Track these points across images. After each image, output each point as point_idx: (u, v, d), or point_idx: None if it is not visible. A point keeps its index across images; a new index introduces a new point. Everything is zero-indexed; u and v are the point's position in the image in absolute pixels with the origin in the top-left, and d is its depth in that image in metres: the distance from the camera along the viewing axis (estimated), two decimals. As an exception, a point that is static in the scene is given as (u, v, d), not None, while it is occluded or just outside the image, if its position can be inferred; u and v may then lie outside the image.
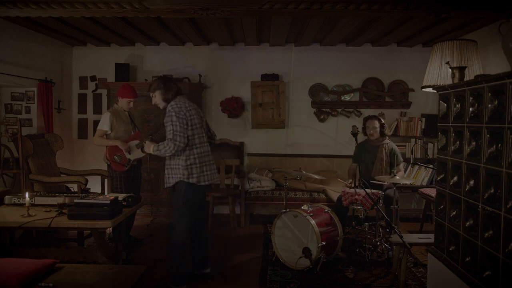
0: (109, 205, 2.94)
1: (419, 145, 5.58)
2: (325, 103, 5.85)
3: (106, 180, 4.78)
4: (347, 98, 5.86)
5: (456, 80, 2.61)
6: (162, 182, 5.43)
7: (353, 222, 4.76)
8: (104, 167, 4.47)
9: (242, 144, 5.96)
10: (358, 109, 5.79)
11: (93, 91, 6.07)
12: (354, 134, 4.37)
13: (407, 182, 4.19)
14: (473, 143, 2.18)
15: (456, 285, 2.31)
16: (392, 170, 4.40)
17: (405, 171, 5.36)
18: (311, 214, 3.71)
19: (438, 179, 2.63)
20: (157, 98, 3.31)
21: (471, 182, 2.19)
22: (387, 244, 3.98)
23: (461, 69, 2.61)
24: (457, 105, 2.38)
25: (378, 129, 4.46)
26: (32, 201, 3.31)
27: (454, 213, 2.40)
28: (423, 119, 5.60)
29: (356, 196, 3.97)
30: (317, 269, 3.45)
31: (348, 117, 5.85)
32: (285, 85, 5.83)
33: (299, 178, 4.28)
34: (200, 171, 3.20)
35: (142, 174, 4.73)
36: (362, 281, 3.48)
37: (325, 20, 4.45)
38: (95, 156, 5.81)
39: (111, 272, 2.43)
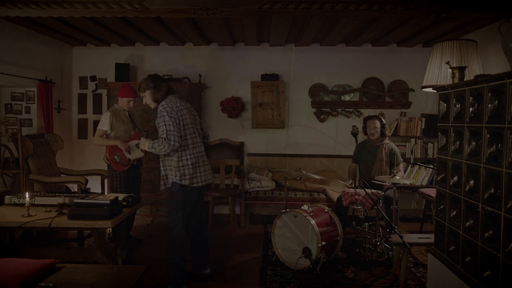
0: (109, 205, 2.95)
1: (419, 145, 5.58)
2: (325, 103, 5.85)
3: (106, 180, 4.78)
4: (347, 98, 5.86)
5: (456, 80, 2.61)
6: (162, 182, 5.43)
7: (353, 222, 4.76)
8: (104, 167, 4.47)
9: (242, 144, 5.96)
10: (358, 109, 5.79)
11: (93, 91, 6.07)
12: (354, 134, 4.37)
13: (407, 182, 4.19)
14: (473, 143, 2.18)
15: (456, 285, 2.31)
16: (392, 170, 4.41)
17: (405, 171, 5.36)
18: (311, 214, 3.71)
19: (438, 179, 2.63)
20: (147, 98, 3.26)
21: (471, 182, 2.19)
22: (387, 244, 3.98)
23: (461, 69, 2.61)
24: (457, 105, 2.38)
25: (379, 129, 4.46)
26: (32, 201, 3.31)
27: (454, 213, 2.40)
28: (423, 119, 5.60)
29: (356, 196, 3.97)
30: (317, 269, 3.45)
31: (348, 117, 5.85)
32: (285, 85, 5.83)
33: (299, 178, 4.28)
34: (193, 173, 3.15)
35: (142, 174, 4.73)
36: (362, 281, 3.48)
37: (325, 20, 4.45)
38: (95, 156, 5.81)
39: (111, 272, 2.44)
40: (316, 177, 4.30)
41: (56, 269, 2.44)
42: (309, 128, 5.94)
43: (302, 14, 3.65)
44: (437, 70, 3.68)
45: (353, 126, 4.39)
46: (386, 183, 4.08)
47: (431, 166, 5.21)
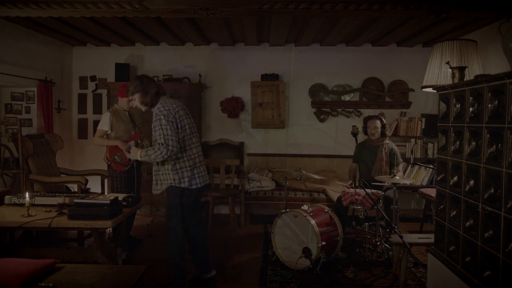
0: (109, 205, 2.94)
1: (419, 145, 5.58)
2: (325, 103, 5.85)
3: (106, 180, 4.78)
4: (347, 98, 5.87)
5: (456, 80, 2.61)
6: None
7: (353, 222, 4.76)
8: (104, 167, 4.47)
9: (242, 144, 5.96)
10: (358, 109, 5.79)
11: (93, 91, 6.07)
12: (354, 134, 4.37)
13: (407, 182, 4.19)
14: (473, 143, 2.18)
15: (456, 285, 2.31)
16: (392, 170, 4.41)
17: (404, 172, 5.36)
18: (311, 214, 3.71)
19: (438, 179, 2.63)
20: (136, 101, 3.12)
21: (471, 182, 2.19)
22: (387, 244, 3.97)
23: (461, 69, 2.61)
24: (457, 105, 2.38)
25: (379, 129, 4.46)
26: (32, 201, 3.31)
27: (454, 213, 2.40)
28: (423, 119, 5.60)
29: (356, 196, 3.97)
30: (317, 269, 3.45)
31: (348, 117, 5.85)
32: (285, 85, 5.83)
33: (299, 178, 4.28)
34: (191, 174, 3.08)
35: (142, 174, 4.74)
36: (362, 281, 3.48)
37: (325, 20, 4.45)
38: (95, 156, 5.81)
39: (111, 272, 2.43)
40: (316, 177, 4.30)
41: (56, 269, 2.44)
42: (309, 128, 5.94)
43: (302, 14, 3.65)
44: (437, 70, 3.68)
45: (353, 126, 4.40)
46: (386, 183, 4.08)
47: (431, 166, 5.21)
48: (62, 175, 4.80)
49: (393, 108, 5.80)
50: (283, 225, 3.81)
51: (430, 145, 5.57)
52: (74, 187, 5.09)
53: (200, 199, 3.37)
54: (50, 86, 5.24)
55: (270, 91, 5.80)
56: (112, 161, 4.08)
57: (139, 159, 3.07)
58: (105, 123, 4.09)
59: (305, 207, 3.86)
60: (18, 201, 3.38)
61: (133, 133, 4.21)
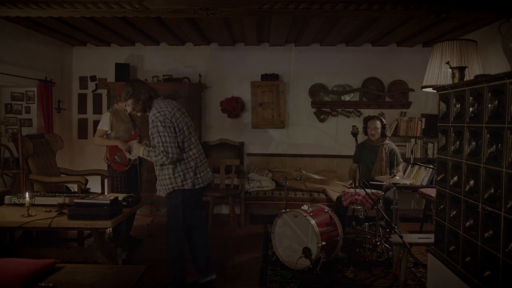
0: (109, 205, 2.94)
1: (419, 145, 5.58)
2: (325, 103, 5.85)
3: (106, 180, 4.78)
4: (347, 98, 5.87)
5: (456, 80, 2.61)
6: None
7: (353, 222, 4.76)
8: (104, 167, 4.47)
9: (242, 144, 5.96)
10: (358, 109, 5.79)
11: (93, 91, 6.07)
12: (354, 134, 4.35)
13: (407, 182, 4.19)
14: (473, 143, 2.18)
15: (456, 285, 2.31)
16: (392, 171, 4.40)
17: (404, 172, 5.36)
18: (311, 214, 3.71)
19: (438, 179, 2.63)
20: (130, 107, 3.07)
21: (471, 182, 2.19)
22: (387, 244, 3.97)
23: (461, 69, 2.61)
24: (457, 105, 2.38)
25: (379, 130, 4.45)
26: (32, 201, 3.31)
27: (454, 213, 2.40)
28: (423, 119, 5.60)
29: (356, 196, 3.97)
30: (317, 269, 3.45)
31: (348, 117, 5.85)
32: (285, 85, 5.83)
33: (299, 178, 4.28)
34: (194, 175, 3.04)
35: (142, 174, 4.73)
36: (362, 281, 3.48)
37: (325, 20, 4.45)
38: (95, 156, 5.81)
39: (111, 272, 2.43)
40: (316, 177, 4.30)
41: (56, 269, 2.44)
42: (309, 128, 5.94)
43: (302, 14, 3.65)
44: (437, 70, 3.68)
45: (353, 126, 4.38)
46: (385, 183, 4.08)
47: (431, 166, 5.21)
48: (62, 175, 4.80)
49: (393, 108, 5.80)
50: (283, 225, 3.81)
51: (430, 145, 5.57)
52: (74, 187, 5.09)
53: (202, 199, 3.34)
54: (50, 86, 5.24)
55: (270, 91, 5.80)
56: (112, 161, 4.08)
57: (141, 155, 3.03)
58: (105, 123, 4.10)
59: (305, 207, 3.86)
60: (18, 201, 3.38)
61: (133, 133, 4.21)
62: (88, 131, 6.08)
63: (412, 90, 5.75)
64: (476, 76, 2.13)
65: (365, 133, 4.57)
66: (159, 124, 2.88)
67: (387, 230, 4.50)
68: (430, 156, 5.50)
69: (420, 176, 5.37)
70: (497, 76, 1.93)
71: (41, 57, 5.26)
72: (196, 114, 5.62)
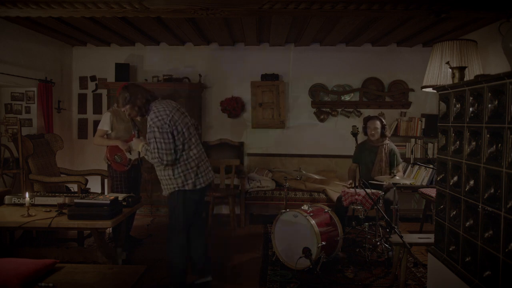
0: (109, 205, 2.95)
1: (419, 145, 5.58)
2: (325, 103, 5.85)
3: (106, 180, 4.78)
4: (347, 98, 5.87)
5: (456, 80, 2.61)
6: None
7: (353, 222, 4.76)
8: (104, 167, 4.47)
9: (242, 144, 5.96)
10: (358, 109, 5.79)
11: (93, 91, 6.07)
12: (354, 134, 4.37)
13: (407, 182, 4.19)
14: (473, 143, 2.18)
15: (456, 285, 2.31)
16: (392, 171, 4.40)
17: (404, 172, 5.36)
18: (311, 214, 3.71)
19: (438, 179, 2.63)
20: (127, 113, 3.08)
21: (471, 182, 2.19)
22: (387, 244, 3.97)
23: (461, 69, 2.61)
24: (457, 105, 2.38)
25: (379, 130, 4.45)
26: (32, 201, 3.31)
27: (454, 213, 2.40)
28: (423, 119, 5.60)
29: (356, 196, 3.97)
30: (317, 269, 3.45)
31: (348, 117, 5.85)
32: (285, 85, 5.83)
33: (299, 178, 4.28)
34: (195, 175, 3.04)
35: (142, 174, 4.74)
36: (362, 281, 3.48)
37: (325, 20, 4.45)
38: (95, 156, 5.81)
39: (111, 272, 2.44)
40: (316, 177, 4.30)
41: (56, 269, 2.44)
42: (309, 128, 5.94)
43: (302, 14, 3.65)
44: (437, 70, 3.68)
45: (353, 126, 4.39)
46: (385, 183, 4.08)
47: (431, 166, 5.21)
48: (62, 175, 4.80)
49: (393, 108, 5.80)
50: (283, 225, 3.81)
51: (430, 145, 5.57)
52: (74, 187, 5.09)
53: (204, 198, 3.33)
54: (50, 86, 5.24)
55: (270, 91, 5.80)
56: (112, 161, 4.08)
57: (139, 150, 3.05)
58: (105, 123, 4.09)
59: (305, 207, 3.86)
60: (18, 201, 3.38)
61: (133, 132, 4.20)
62: (88, 131, 6.08)
63: (412, 90, 5.75)
64: (476, 76, 2.13)
65: (365, 133, 4.57)
66: (156, 129, 2.88)
67: (387, 230, 4.50)
68: (430, 156, 5.50)
69: (420, 176, 5.37)
70: (497, 76, 1.93)
71: (41, 57, 5.26)
72: (196, 114, 5.62)
